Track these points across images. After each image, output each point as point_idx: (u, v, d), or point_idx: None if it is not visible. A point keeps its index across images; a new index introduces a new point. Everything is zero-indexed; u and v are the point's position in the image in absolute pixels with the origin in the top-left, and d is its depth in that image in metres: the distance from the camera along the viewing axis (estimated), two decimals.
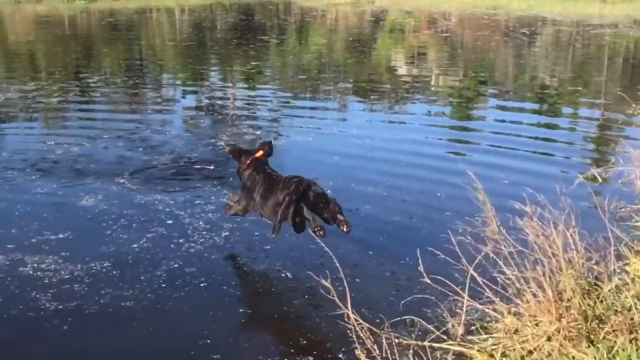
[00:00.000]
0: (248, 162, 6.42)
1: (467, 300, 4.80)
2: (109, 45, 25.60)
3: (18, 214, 7.50)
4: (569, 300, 4.30)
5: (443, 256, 5.09)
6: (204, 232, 6.98)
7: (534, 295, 4.53)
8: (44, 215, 7.42)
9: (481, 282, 4.66)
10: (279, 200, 5.92)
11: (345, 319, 4.68)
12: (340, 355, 4.93)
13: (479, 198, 4.82)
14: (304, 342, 5.11)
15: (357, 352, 4.34)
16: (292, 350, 4.99)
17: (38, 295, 5.67)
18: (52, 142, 10.65)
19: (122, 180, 8.61)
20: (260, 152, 6.51)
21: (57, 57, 22.37)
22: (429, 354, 4.51)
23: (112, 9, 38.47)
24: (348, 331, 4.78)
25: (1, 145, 10.73)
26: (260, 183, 6.22)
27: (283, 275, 6.18)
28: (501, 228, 4.68)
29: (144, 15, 37.09)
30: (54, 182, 8.59)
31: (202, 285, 5.98)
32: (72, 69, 19.48)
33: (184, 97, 15.80)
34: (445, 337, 4.75)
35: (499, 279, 4.73)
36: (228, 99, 15.35)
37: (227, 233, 6.94)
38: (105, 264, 6.27)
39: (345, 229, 5.91)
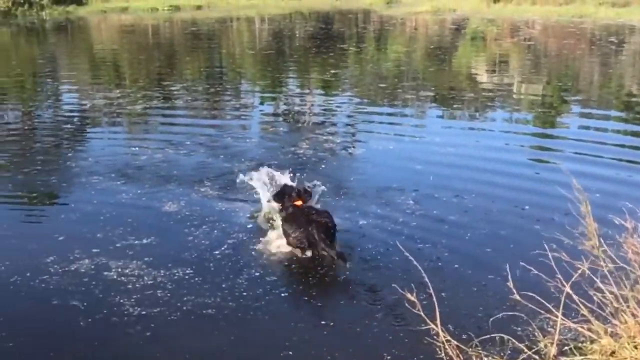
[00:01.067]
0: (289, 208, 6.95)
1: (561, 318, 4.58)
2: (190, 54, 26.04)
3: (103, 218, 7.60)
4: None
5: (535, 271, 4.89)
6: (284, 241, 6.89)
7: (633, 316, 4.29)
8: (128, 220, 7.49)
9: (577, 300, 4.43)
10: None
11: (431, 335, 4.54)
12: None
13: (582, 210, 4.55)
14: (388, 357, 4.95)
15: None
16: None
17: (122, 301, 5.70)
18: (136, 148, 10.82)
19: (203, 188, 8.64)
20: (300, 202, 6.98)
21: (140, 65, 22.87)
22: None
23: (195, 19, 39.19)
24: (433, 347, 4.63)
25: (87, 151, 10.96)
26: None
27: (366, 287, 6.04)
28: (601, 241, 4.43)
29: (224, 25, 37.62)
30: (137, 187, 8.69)
31: (282, 295, 5.90)
32: (155, 76, 19.86)
33: (263, 105, 15.86)
34: (537, 357, 4.53)
35: (595, 297, 4.49)
36: (306, 106, 15.33)
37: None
38: (187, 271, 6.27)
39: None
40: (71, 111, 14.83)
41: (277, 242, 6.81)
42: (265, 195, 7.50)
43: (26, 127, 13.36)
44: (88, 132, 12.69)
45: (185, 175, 9.21)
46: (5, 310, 5.63)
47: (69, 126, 13.21)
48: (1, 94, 17.09)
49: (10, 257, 6.55)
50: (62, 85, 18.87)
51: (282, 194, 7.15)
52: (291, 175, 7.86)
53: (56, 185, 9.08)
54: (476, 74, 20.93)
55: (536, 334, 4.70)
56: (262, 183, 7.67)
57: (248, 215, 7.63)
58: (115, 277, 6.13)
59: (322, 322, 5.45)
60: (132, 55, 25.26)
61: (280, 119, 13.90)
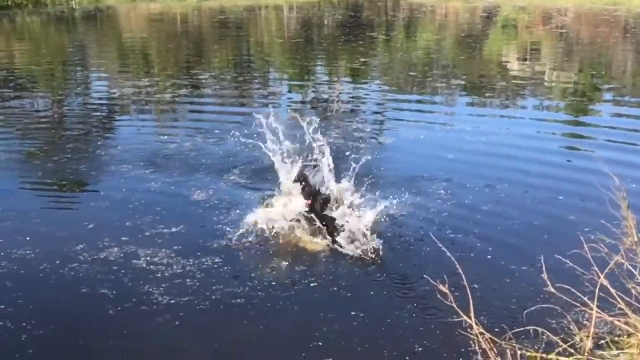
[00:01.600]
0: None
1: (596, 311, 4.47)
2: (219, 42, 26.02)
3: (132, 206, 7.59)
4: None
5: (570, 262, 4.78)
6: (315, 231, 6.82)
7: None
8: (157, 209, 7.47)
9: (613, 293, 4.32)
10: None
11: (464, 327, 4.46)
12: None
13: (620, 204, 4.42)
14: (419, 348, 4.87)
15: None
16: (406, 357, 4.76)
17: (151, 289, 5.68)
18: (165, 137, 10.82)
19: (232, 176, 8.60)
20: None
21: (169, 53, 22.90)
22: None
23: (222, 7, 39.19)
24: (466, 340, 4.55)
25: (116, 139, 10.98)
26: None
27: (397, 277, 5.96)
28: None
29: (253, 13, 37.57)
30: (166, 176, 8.67)
31: (312, 285, 5.83)
32: (183, 65, 19.87)
33: (291, 93, 15.79)
34: (572, 350, 4.43)
35: (632, 290, 4.38)
36: (335, 95, 15.23)
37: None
38: (216, 259, 6.23)
39: None
40: (100, 99, 14.88)
41: (305, 232, 6.74)
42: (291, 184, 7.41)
43: (56, 115, 13.43)
44: (117, 120, 12.73)
45: (214, 164, 9.18)
46: (35, 297, 5.63)
47: (98, 114, 13.26)
48: (32, 82, 17.20)
49: (40, 245, 6.57)
50: (92, 73, 18.95)
51: (309, 193, 7.08)
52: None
53: (86, 173, 9.10)
54: (507, 62, 20.66)
55: (571, 326, 4.62)
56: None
57: (277, 204, 7.56)
58: (144, 265, 6.12)
59: (352, 313, 5.37)
60: (160, 44, 25.31)
61: (309, 107, 13.81)
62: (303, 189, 7.09)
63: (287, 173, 7.65)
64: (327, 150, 7.66)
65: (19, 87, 16.49)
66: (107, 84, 17.09)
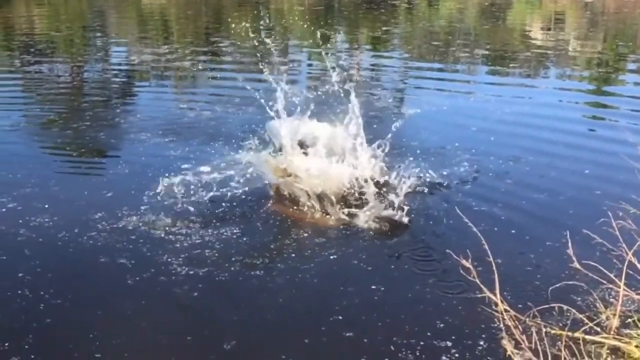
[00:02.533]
0: None
1: (624, 289, 4.38)
2: (239, 10, 25.79)
3: (151, 176, 7.52)
4: None
5: (597, 238, 4.68)
6: (335, 201, 6.72)
7: None
8: (176, 178, 7.38)
9: None
10: None
11: (486, 303, 4.38)
12: (481, 342, 4.55)
13: None
14: (441, 325, 4.77)
15: (504, 342, 3.98)
16: (428, 333, 4.66)
17: (170, 260, 5.61)
18: (184, 105, 10.74)
19: (252, 145, 8.49)
20: None
21: (188, 20, 22.75)
22: (581, 347, 4.10)
23: None
24: (489, 316, 4.49)
25: (136, 107, 10.92)
26: None
27: (418, 251, 5.84)
28: None
29: None
30: (185, 145, 8.60)
31: (332, 257, 5.74)
32: (203, 32, 19.74)
33: (311, 62, 15.62)
34: (598, 329, 4.34)
35: None
36: (356, 64, 15.05)
37: (358, 202, 6.66)
38: (235, 230, 6.16)
39: None
40: (120, 66, 14.82)
41: (326, 203, 6.65)
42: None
43: (75, 82, 13.39)
44: (136, 88, 12.67)
45: (234, 133, 9.08)
46: (53, 266, 5.59)
47: (117, 81, 13.21)
48: (51, 48, 17.15)
49: (59, 213, 6.53)
50: (111, 40, 18.89)
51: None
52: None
53: (105, 140, 9.06)
54: (530, 33, 20.33)
55: (597, 304, 4.54)
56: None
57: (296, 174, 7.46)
58: (162, 235, 6.05)
59: (372, 287, 5.26)
60: (179, 11, 25.13)
61: (329, 76, 13.62)
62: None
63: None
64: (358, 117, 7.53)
65: (38, 52, 16.47)
66: (126, 51, 17.02)
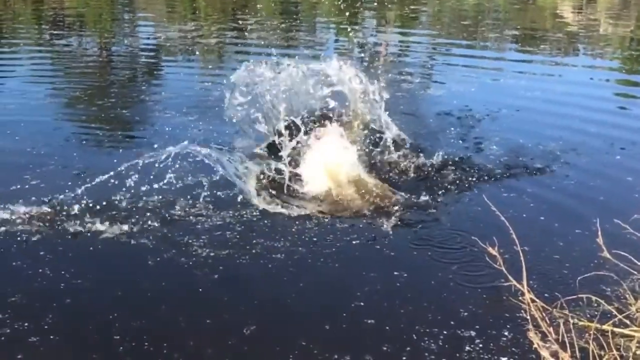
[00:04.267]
0: None
1: None
2: None
3: (174, 154, 7.42)
4: None
5: (628, 228, 4.54)
6: (358, 188, 6.61)
7: None
8: (198, 158, 7.30)
9: None
10: None
11: (512, 292, 4.28)
12: (506, 333, 4.43)
13: None
14: (465, 314, 4.66)
15: (530, 333, 3.86)
16: (452, 322, 4.55)
17: (190, 241, 5.55)
18: (209, 84, 10.63)
19: (276, 126, 8.38)
20: None
21: None
22: (610, 339, 3.97)
23: None
24: (514, 306, 4.39)
25: (161, 85, 10.88)
26: None
27: (442, 238, 5.71)
28: None
29: None
30: (209, 124, 8.50)
31: (354, 242, 5.63)
32: (229, 10, 19.60)
33: (338, 41, 15.46)
34: (627, 321, 4.21)
35: None
36: (383, 43, 14.86)
37: (381, 189, 6.54)
38: (255, 213, 6.07)
39: None
40: (146, 44, 14.79)
41: (347, 188, 6.53)
42: None
43: (101, 59, 13.38)
44: (162, 66, 12.62)
45: (258, 113, 8.95)
46: (72, 248, 5.54)
47: (143, 59, 13.18)
48: (79, 24, 17.15)
49: (80, 190, 6.45)
50: (138, 15, 18.83)
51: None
52: None
53: (129, 118, 9.01)
54: (562, 13, 19.94)
55: (627, 296, 4.40)
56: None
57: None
58: (182, 215, 5.99)
59: (395, 273, 5.15)
60: None
61: (356, 55, 13.47)
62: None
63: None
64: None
65: (66, 27, 16.50)
66: (152, 28, 16.99)
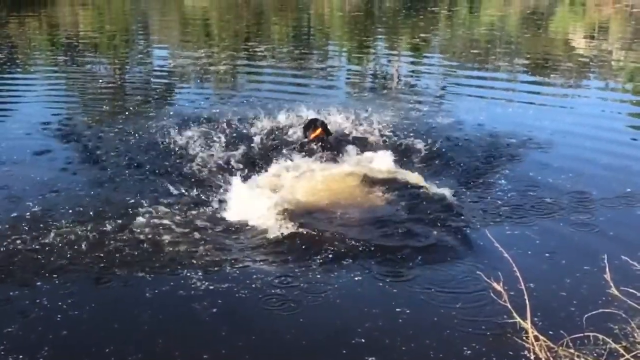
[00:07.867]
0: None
1: None
2: (278, 14, 25.79)
3: (182, 177, 7.45)
4: None
5: (636, 264, 4.46)
6: (361, 218, 6.51)
7: None
8: (206, 181, 7.42)
9: None
10: None
11: (517, 329, 4.20)
12: None
13: None
14: (468, 352, 4.55)
15: None
16: None
17: (189, 274, 5.47)
18: (217, 110, 10.62)
19: (285, 151, 8.34)
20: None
21: (229, 24, 22.79)
22: None
23: None
24: (518, 343, 4.30)
25: (171, 110, 10.88)
26: None
27: (445, 273, 5.57)
28: None
29: None
30: (220, 150, 8.44)
31: (356, 278, 5.47)
32: (242, 36, 19.72)
33: (350, 68, 15.49)
34: None
35: None
36: (394, 71, 14.86)
37: (384, 219, 6.44)
38: (253, 245, 6.00)
39: None
40: (159, 70, 14.88)
41: (351, 219, 6.43)
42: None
43: (114, 83, 13.46)
44: (173, 91, 12.70)
45: (266, 138, 8.91)
46: (72, 280, 5.46)
47: (156, 84, 13.27)
48: (93, 50, 17.30)
49: (80, 219, 6.39)
50: (152, 41, 19.00)
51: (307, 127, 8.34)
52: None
53: (138, 143, 8.90)
54: (573, 42, 19.92)
55: (635, 334, 4.31)
56: None
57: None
58: (186, 248, 5.88)
59: (397, 310, 5.03)
60: (220, 14, 25.21)
61: (367, 83, 13.49)
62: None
63: None
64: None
65: (81, 53, 16.65)
66: (166, 54, 17.13)
